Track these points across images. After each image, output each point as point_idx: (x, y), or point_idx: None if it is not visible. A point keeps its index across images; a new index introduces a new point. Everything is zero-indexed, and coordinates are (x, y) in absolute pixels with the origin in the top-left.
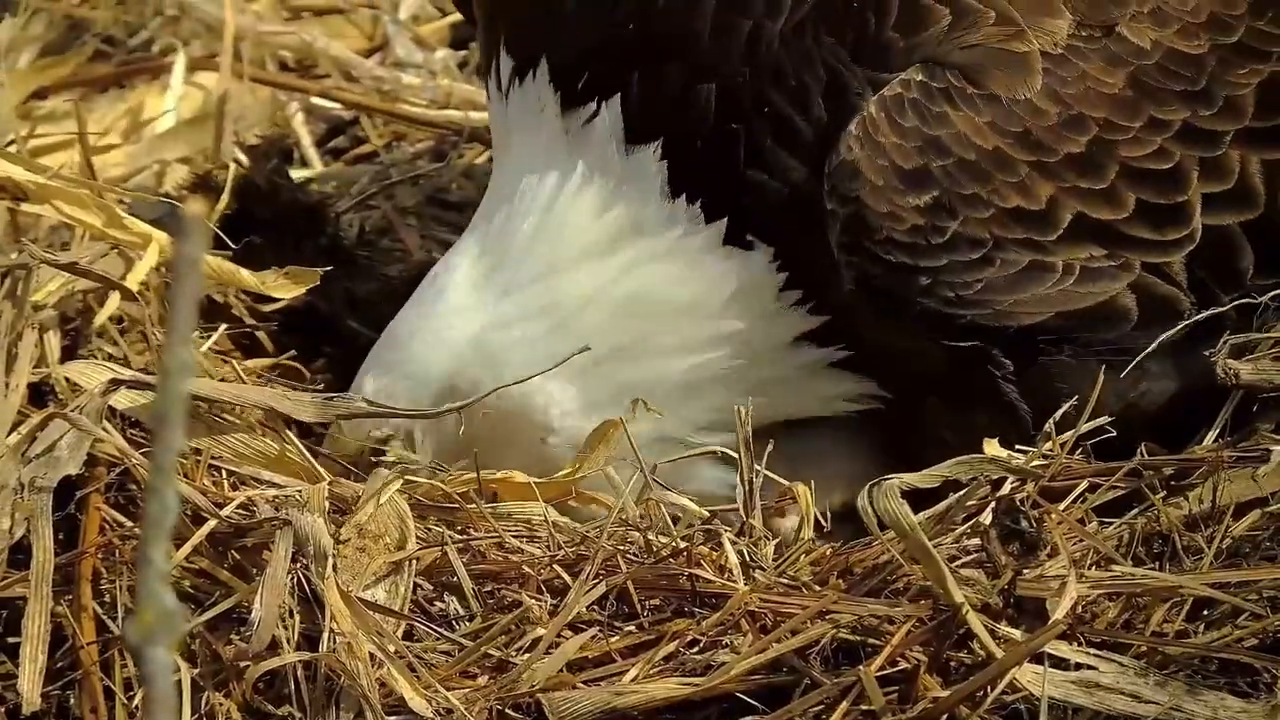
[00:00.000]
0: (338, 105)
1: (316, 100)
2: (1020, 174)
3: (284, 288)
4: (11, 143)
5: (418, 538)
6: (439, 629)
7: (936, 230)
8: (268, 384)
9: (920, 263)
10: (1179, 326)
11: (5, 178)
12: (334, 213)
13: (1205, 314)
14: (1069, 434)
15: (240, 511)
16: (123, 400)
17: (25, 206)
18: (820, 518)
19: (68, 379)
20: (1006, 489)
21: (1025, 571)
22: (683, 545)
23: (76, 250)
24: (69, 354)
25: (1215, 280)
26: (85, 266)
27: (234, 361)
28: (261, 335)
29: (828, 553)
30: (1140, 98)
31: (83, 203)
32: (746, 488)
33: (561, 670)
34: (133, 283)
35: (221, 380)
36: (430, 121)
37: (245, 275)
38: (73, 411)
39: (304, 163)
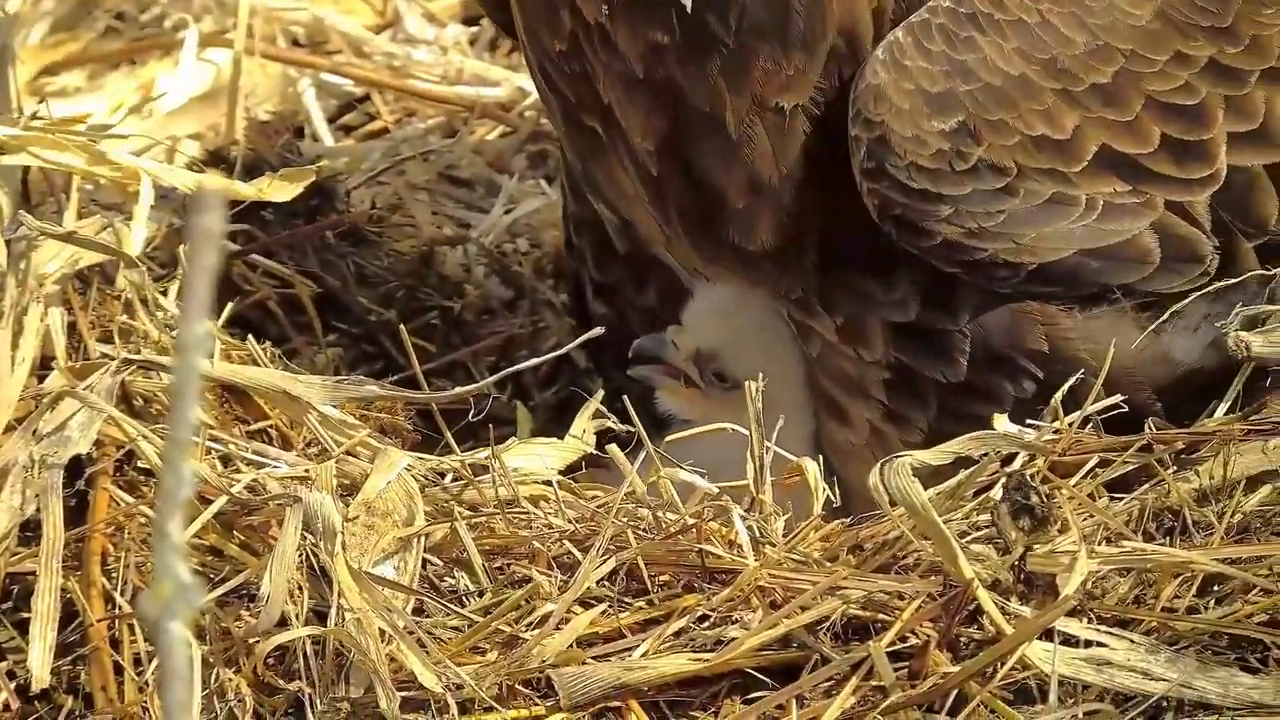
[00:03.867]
0: (349, 81)
1: (327, 76)
2: (1046, 101)
3: (281, 190)
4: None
5: (426, 514)
6: (449, 604)
7: (961, 156)
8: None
9: (943, 190)
10: (1207, 288)
11: None
12: (345, 189)
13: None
14: (1076, 414)
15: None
16: (134, 379)
17: (3, 159)
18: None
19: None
20: (1017, 464)
21: (1035, 547)
22: (692, 521)
23: (70, 220)
24: (73, 329)
25: (1238, 224)
26: (85, 237)
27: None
28: (273, 309)
29: (837, 529)
30: (1167, 31)
31: (61, 146)
32: (756, 463)
33: (571, 646)
34: (133, 250)
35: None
36: (441, 98)
37: (241, 187)
38: (83, 390)
39: (315, 139)
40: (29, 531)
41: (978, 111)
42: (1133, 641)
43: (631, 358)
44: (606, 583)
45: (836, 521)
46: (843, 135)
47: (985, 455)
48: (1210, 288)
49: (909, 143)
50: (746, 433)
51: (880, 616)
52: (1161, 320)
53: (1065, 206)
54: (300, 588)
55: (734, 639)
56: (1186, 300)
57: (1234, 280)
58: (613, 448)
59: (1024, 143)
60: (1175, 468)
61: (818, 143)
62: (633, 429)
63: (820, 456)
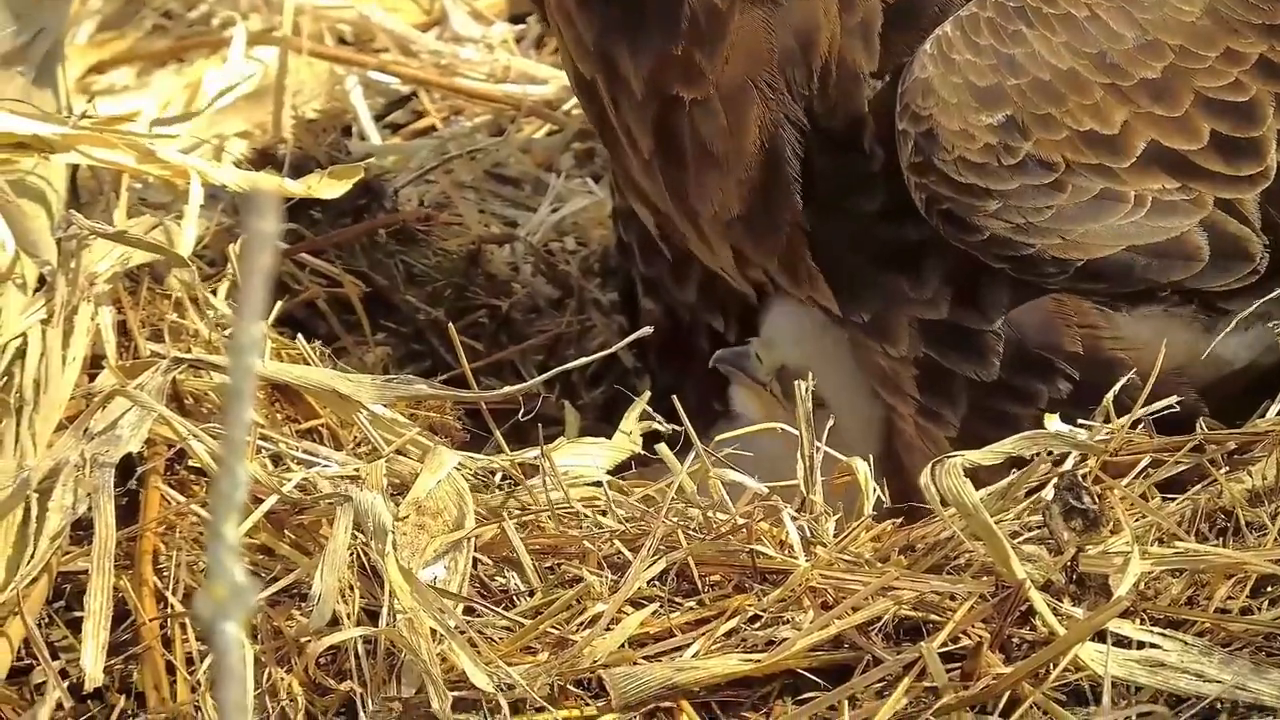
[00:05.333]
0: (396, 80)
1: (374, 75)
2: (1095, 96)
3: (330, 186)
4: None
5: (476, 514)
6: (499, 606)
7: (1008, 150)
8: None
9: (991, 185)
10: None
11: (30, 135)
12: (392, 188)
13: None
14: (1125, 418)
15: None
16: (185, 378)
17: (53, 158)
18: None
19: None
20: (1068, 465)
21: (1088, 548)
22: (743, 521)
23: (120, 219)
24: (123, 328)
25: None
26: (135, 236)
27: (298, 340)
28: (322, 307)
29: (889, 529)
30: (1217, 28)
31: (110, 144)
32: (806, 463)
33: (622, 646)
34: (184, 250)
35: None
36: (488, 96)
37: (290, 184)
38: (134, 389)
39: (362, 137)
40: (81, 530)
41: (1026, 106)
42: (1186, 643)
43: (713, 365)
44: (657, 583)
45: (888, 521)
46: (845, 138)
47: (1037, 455)
48: (1270, 297)
49: (957, 136)
50: (797, 433)
51: (932, 617)
52: (1206, 316)
53: (1114, 203)
54: (351, 587)
55: (785, 639)
56: (1237, 300)
57: None
58: (662, 447)
59: (1072, 138)
60: (1228, 468)
61: (790, 138)
62: (680, 428)
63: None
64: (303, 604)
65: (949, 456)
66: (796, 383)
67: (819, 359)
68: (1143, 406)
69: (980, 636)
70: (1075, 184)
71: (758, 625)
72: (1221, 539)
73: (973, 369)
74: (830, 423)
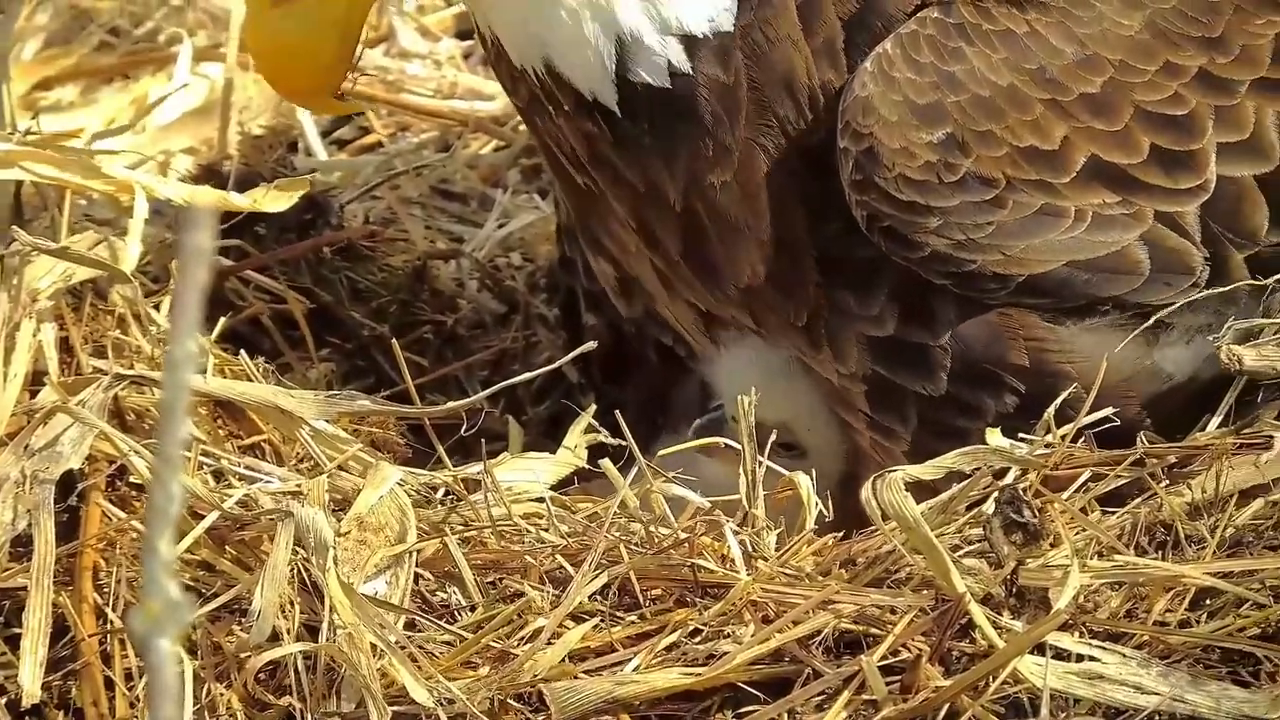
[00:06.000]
0: None
1: None
2: (1035, 112)
3: (276, 200)
4: (25, 132)
5: (418, 529)
6: (440, 620)
7: (949, 168)
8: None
9: (931, 202)
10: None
11: None
12: (338, 203)
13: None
14: (1068, 427)
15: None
16: (126, 395)
17: None
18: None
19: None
20: (1009, 479)
21: (1028, 561)
22: (684, 535)
23: (64, 235)
24: (66, 344)
25: (1229, 235)
26: (78, 252)
27: (241, 356)
28: (266, 324)
29: (830, 543)
30: (1156, 41)
31: (55, 161)
32: (749, 478)
33: (563, 660)
34: (127, 266)
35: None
36: (435, 112)
37: (235, 198)
38: (76, 405)
39: (308, 153)
40: (20, 547)
41: (966, 123)
42: (1125, 655)
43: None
44: (598, 597)
45: (829, 535)
46: (820, 155)
47: (977, 469)
48: (1199, 296)
49: (897, 154)
50: (739, 448)
51: (872, 631)
52: (1148, 329)
53: (1054, 218)
54: (292, 603)
55: (726, 653)
56: (1173, 309)
57: (1223, 289)
58: (605, 462)
59: (1012, 154)
60: (1168, 481)
61: (790, 175)
62: (624, 443)
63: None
64: (243, 619)
65: (889, 471)
66: (740, 397)
67: (787, 397)
68: (1084, 418)
69: (920, 649)
70: (1015, 200)
71: (699, 639)
72: (1161, 552)
73: (921, 384)
74: (772, 439)
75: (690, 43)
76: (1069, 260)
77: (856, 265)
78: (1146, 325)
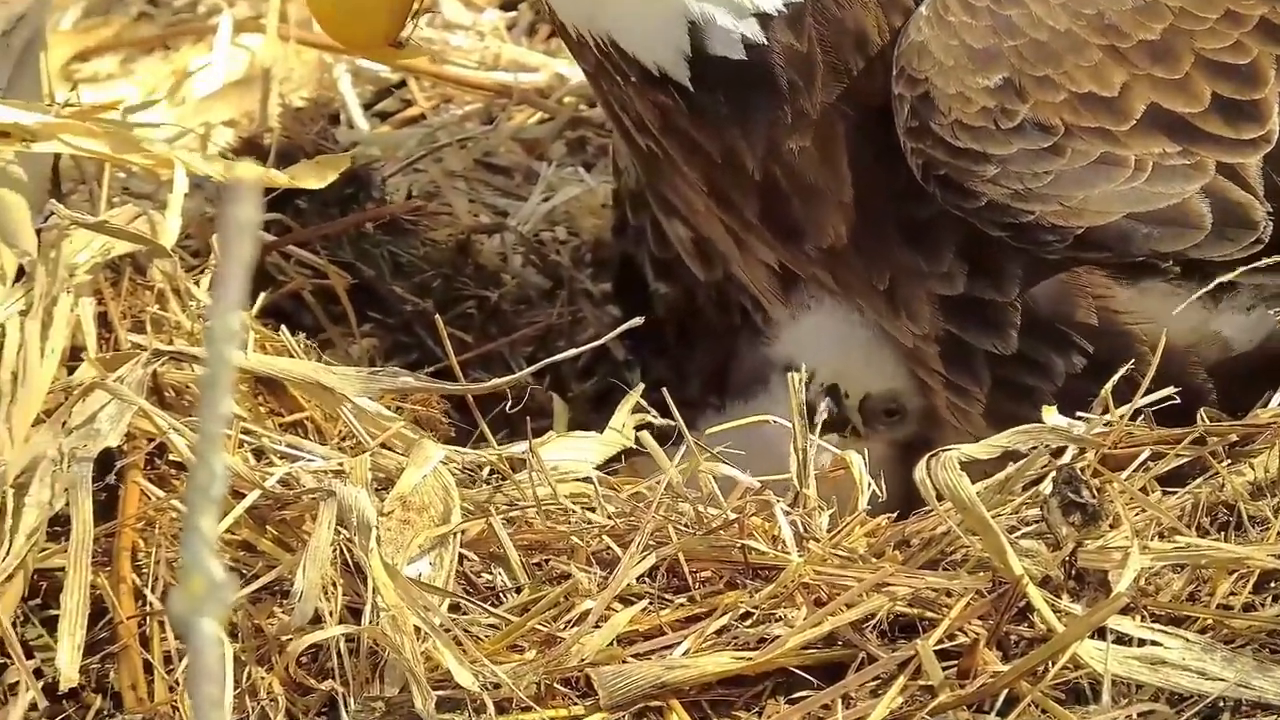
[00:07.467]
0: (384, 68)
1: (363, 63)
2: (1093, 58)
3: (315, 177)
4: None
5: (463, 509)
6: (485, 603)
7: (1006, 114)
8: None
9: (989, 149)
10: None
11: (11, 124)
12: (380, 177)
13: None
14: (1125, 408)
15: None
16: (165, 371)
17: (34, 147)
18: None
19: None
20: (1067, 458)
21: (1087, 543)
22: (734, 516)
23: (102, 209)
24: (104, 319)
25: None
26: (117, 226)
27: (282, 331)
28: (308, 299)
29: (884, 524)
30: None
31: (93, 133)
32: (800, 456)
33: (611, 644)
34: (167, 240)
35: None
36: (478, 84)
37: (275, 174)
38: (114, 381)
39: (350, 125)
40: (58, 526)
41: (1023, 68)
42: (1188, 640)
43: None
44: (647, 579)
45: (882, 516)
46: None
47: (1034, 449)
48: (1266, 263)
49: (953, 100)
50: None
51: (928, 614)
52: (1209, 292)
53: (1114, 167)
54: (334, 584)
55: (778, 637)
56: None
57: None
58: (648, 439)
59: (1071, 100)
60: (1229, 460)
61: (867, 137)
62: (673, 422)
63: None
64: (284, 601)
65: (944, 450)
66: (790, 374)
67: (870, 364)
68: (1144, 395)
69: (977, 633)
70: (1074, 148)
71: (749, 622)
72: (1223, 533)
73: (992, 342)
74: (824, 413)
75: (765, 17)
76: (1129, 212)
77: (923, 222)
78: (1208, 288)
